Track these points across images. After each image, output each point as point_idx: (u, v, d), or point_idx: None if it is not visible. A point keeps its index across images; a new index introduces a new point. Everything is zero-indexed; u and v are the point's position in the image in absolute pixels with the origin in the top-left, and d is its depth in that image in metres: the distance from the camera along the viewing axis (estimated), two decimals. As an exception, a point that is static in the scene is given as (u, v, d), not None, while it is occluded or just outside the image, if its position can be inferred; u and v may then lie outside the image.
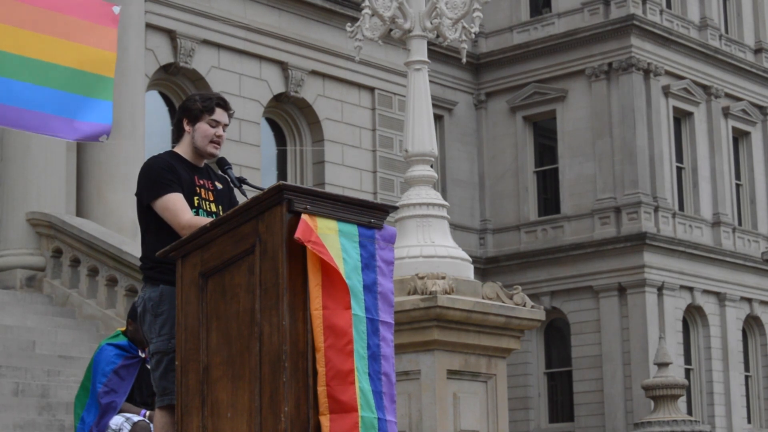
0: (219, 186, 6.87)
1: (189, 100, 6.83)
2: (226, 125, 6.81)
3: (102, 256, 16.81)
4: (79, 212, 18.75)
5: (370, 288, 6.12)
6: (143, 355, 9.36)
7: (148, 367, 7.69)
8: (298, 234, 5.86)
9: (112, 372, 9.36)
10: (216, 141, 6.77)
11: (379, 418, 6.01)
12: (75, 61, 7.02)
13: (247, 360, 5.99)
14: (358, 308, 6.01)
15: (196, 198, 6.68)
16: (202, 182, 6.77)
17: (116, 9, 7.22)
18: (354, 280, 6.03)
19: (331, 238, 5.99)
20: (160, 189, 6.55)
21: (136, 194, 6.71)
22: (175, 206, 6.52)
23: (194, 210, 6.65)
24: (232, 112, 6.89)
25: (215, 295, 6.18)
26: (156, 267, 6.59)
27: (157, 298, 6.58)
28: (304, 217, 5.91)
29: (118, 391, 9.36)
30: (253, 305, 5.99)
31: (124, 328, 9.64)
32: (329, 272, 5.90)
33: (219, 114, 6.77)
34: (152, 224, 6.64)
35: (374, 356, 6.08)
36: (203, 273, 6.22)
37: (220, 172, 7.01)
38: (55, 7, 6.97)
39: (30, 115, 6.95)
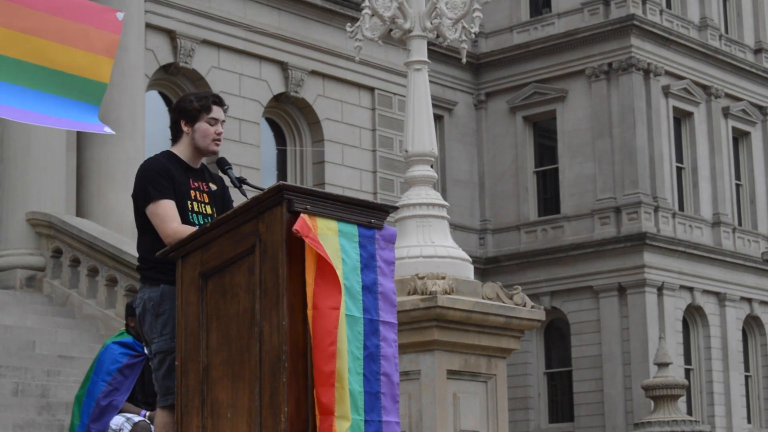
0: (213, 187, 6.89)
1: (184, 101, 6.84)
2: (223, 122, 6.85)
3: (102, 256, 16.80)
4: (79, 212, 18.73)
5: (370, 288, 6.12)
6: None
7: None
8: (297, 226, 5.86)
9: (117, 371, 9.35)
10: (217, 138, 6.80)
11: (368, 421, 5.98)
12: (71, 67, 7.00)
13: (247, 360, 5.98)
14: (355, 309, 6.00)
15: (190, 200, 6.70)
16: (197, 184, 6.79)
17: (120, 15, 7.22)
18: (352, 280, 6.02)
19: (331, 239, 5.99)
20: (152, 194, 6.57)
21: (133, 195, 6.73)
22: (165, 213, 6.55)
23: (189, 212, 6.67)
24: (226, 107, 6.93)
25: (215, 295, 6.17)
26: (155, 267, 6.60)
27: (158, 297, 6.58)
28: (303, 216, 5.92)
29: (120, 389, 9.35)
30: (253, 305, 5.99)
31: (125, 327, 9.63)
32: (324, 271, 5.89)
33: (216, 111, 6.80)
34: (150, 224, 6.64)
35: (372, 357, 6.06)
36: (203, 273, 6.21)
37: (219, 173, 7.03)
38: (58, 12, 6.96)
39: (21, 113, 6.96)
